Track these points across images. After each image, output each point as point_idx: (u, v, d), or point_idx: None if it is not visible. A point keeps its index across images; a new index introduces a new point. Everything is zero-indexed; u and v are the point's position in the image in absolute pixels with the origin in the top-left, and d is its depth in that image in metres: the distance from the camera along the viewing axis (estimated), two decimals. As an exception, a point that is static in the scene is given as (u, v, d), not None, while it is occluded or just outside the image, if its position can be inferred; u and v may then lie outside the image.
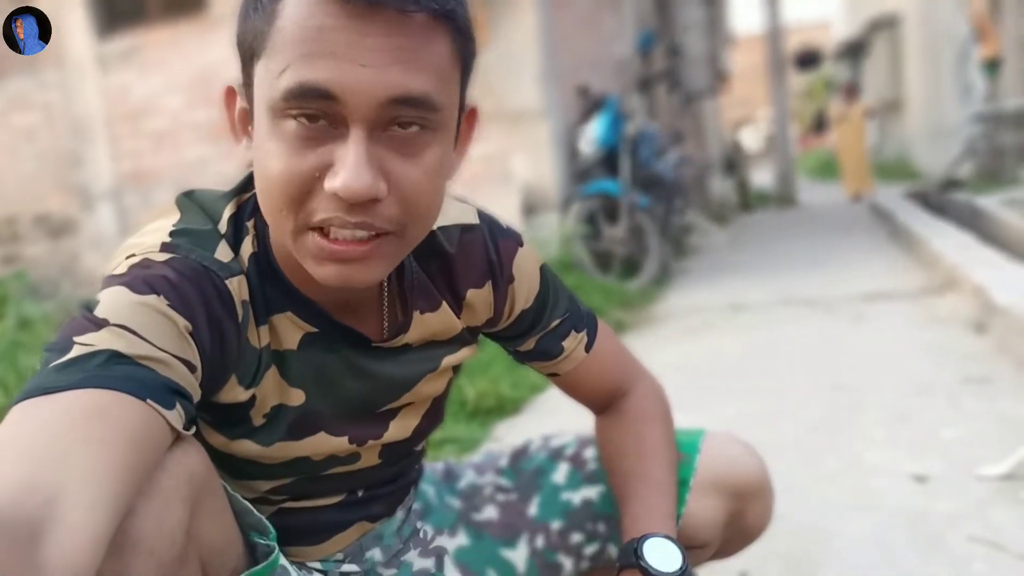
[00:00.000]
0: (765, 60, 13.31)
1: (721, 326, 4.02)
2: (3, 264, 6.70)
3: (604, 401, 1.06)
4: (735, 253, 6.89)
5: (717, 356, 3.43)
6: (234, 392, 0.82)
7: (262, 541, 0.79)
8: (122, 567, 0.64)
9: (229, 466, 0.86)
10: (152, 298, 0.72)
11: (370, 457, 0.96)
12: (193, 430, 0.72)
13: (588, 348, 1.01)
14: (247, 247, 0.82)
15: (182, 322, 0.73)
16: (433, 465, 1.15)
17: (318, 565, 0.99)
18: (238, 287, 0.80)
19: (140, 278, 0.74)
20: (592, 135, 5.54)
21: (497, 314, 0.97)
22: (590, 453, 1.09)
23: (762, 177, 15.25)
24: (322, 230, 0.73)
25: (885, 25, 17.12)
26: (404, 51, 0.70)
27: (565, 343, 1.00)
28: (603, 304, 4.30)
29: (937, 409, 2.38)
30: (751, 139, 23.22)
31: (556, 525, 1.06)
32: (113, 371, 0.65)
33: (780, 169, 12.78)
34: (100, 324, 0.69)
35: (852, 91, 12.53)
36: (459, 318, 0.95)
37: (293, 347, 0.85)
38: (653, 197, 5.56)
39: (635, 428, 1.02)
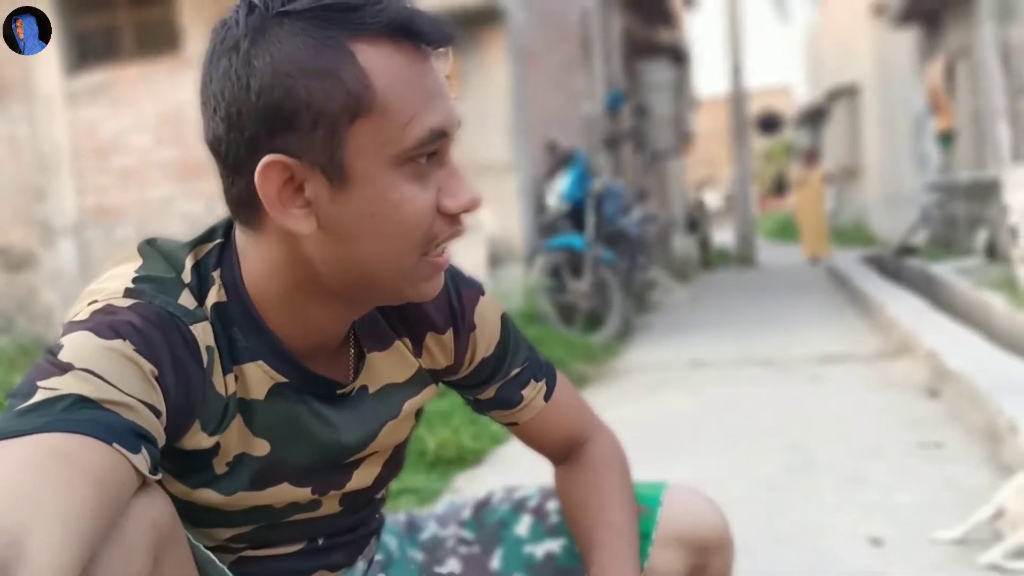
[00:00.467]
0: (728, 123, 13.61)
1: (680, 383, 4.06)
2: (-43, 296, 6.56)
3: (562, 451, 1.07)
4: (696, 310, 6.98)
5: (675, 413, 3.46)
6: (197, 438, 0.82)
7: None
8: None
9: (189, 513, 0.86)
10: (118, 343, 0.72)
11: (331, 505, 0.96)
12: (159, 475, 0.72)
13: (547, 397, 1.02)
14: (212, 296, 0.82)
15: (148, 367, 0.73)
16: (395, 516, 1.15)
17: (278, 616, 0.98)
18: (202, 333, 0.80)
19: (105, 323, 0.73)
20: (559, 190, 5.62)
21: (458, 362, 0.98)
22: (553, 505, 1.09)
23: (723, 236, 15.49)
24: (429, 251, 0.82)
25: (845, 94, 17.62)
26: (449, 82, 0.81)
27: (524, 392, 1.01)
28: (566, 357, 4.32)
29: (890, 473, 2.42)
30: (713, 199, 23.61)
31: (518, 579, 1.06)
32: (79, 415, 0.65)
33: (741, 229, 13.00)
34: (65, 368, 0.69)
35: (812, 156, 12.85)
36: (417, 359, 0.96)
37: (260, 397, 0.85)
38: (617, 253, 5.63)
39: (594, 478, 1.03)
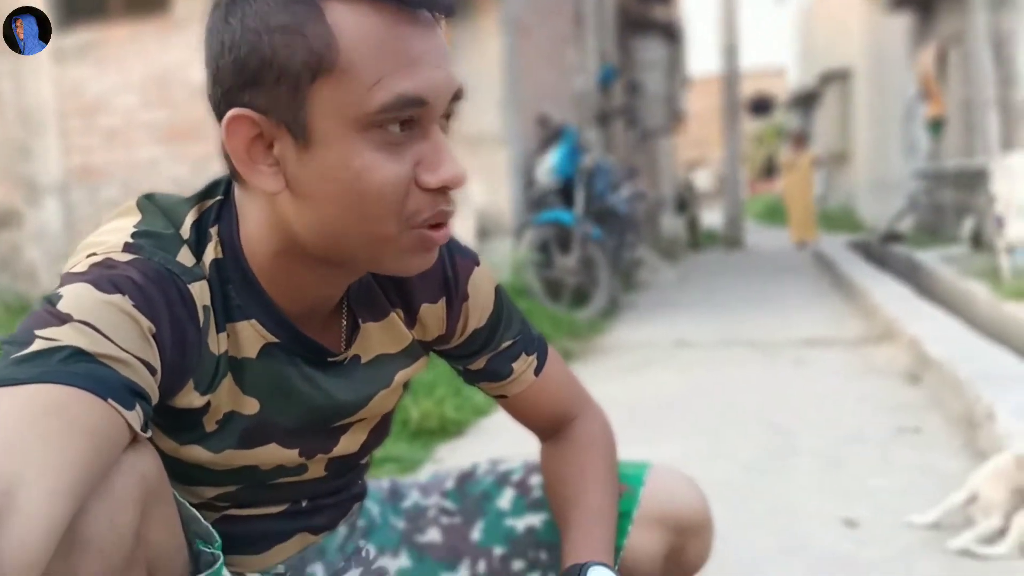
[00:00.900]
0: (720, 103, 13.59)
1: (665, 362, 4.08)
2: (-61, 252, 6.50)
3: (550, 427, 1.07)
4: (682, 290, 7.00)
5: (659, 392, 3.48)
6: (189, 397, 0.82)
7: (207, 549, 0.79)
8: (71, 566, 0.64)
9: (175, 470, 0.86)
10: (117, 297, 0.72)
11: (317, 469, 0.96)
12: (150, 432, 0.72)
13: (537, 372, 1.02)
14: (210, 253, 0.82)
15: (146, 323, 0.73)
16: (378, 483, 1.15)
17: (258, 576, 0.99)
18: (200, 292, 0.80)
19: (105, 277, 0.73)
20: (549, 165, 5.60)
21: (450, 331, 0.97)
22: (536, 480, 1.10)
23: (712, 217, 15.52)
24: (421, 223, 0.78)
25: (837, 78, 17.62)
26: (446, 50, 0.77)
27: (515, 365, 1.01)
28: (552, 333, 4.33)
29: (869, 457, 2.45)
30: (703, 179, 23.62)
31: (499, 551, 1.07)
32: (75, 368, 0.65)
33: (729, 211, 13.02)
34: (63, 319, 0.68)
35: (800, 140, 12.86)
36: (411, 330, 0.96)
37: (252, 355, 0.85)
38: (606, 230, 5.63)
39: (579, 457, 1.03)
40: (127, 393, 0.67)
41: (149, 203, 0.84)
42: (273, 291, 0.84)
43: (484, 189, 5.44)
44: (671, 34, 12.12)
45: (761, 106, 22.75)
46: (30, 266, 6.21)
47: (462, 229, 5.22)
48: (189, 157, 5.74)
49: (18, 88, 6.14)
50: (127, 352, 0.69)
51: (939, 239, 8.65)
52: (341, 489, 1.02)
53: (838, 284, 6.90)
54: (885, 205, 12.68)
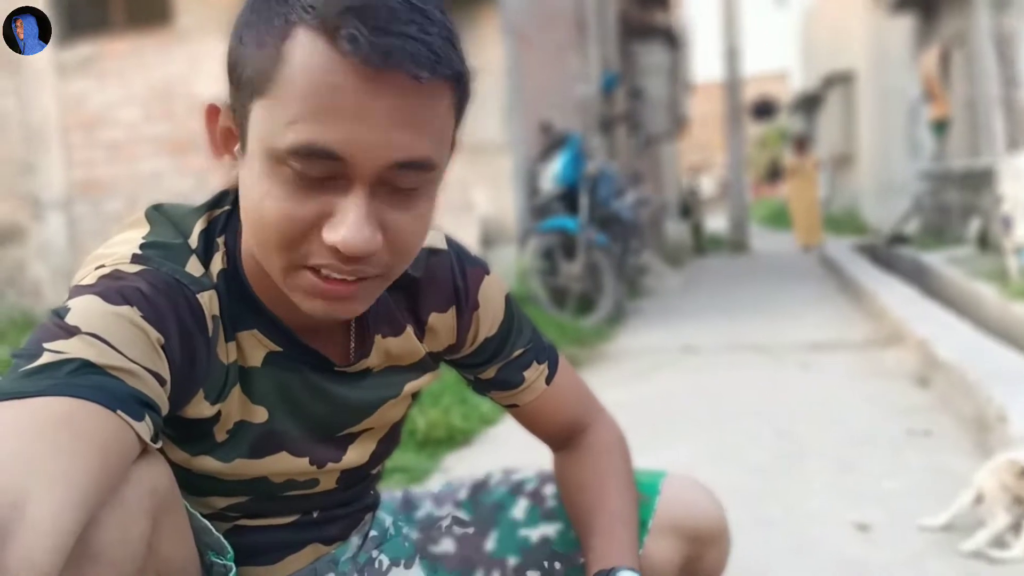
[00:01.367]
0: (723, 108, 13.58)
1: (671, 368, 4.07)
2: (-55, 269, 6.51)
3: (562, 436, 1.06)
4: (688, 296, 6.98)
5: (667, 398, 3.46)
6: (200, 407, 0.82)
7: (219, 561, 0.79)
8: None
9: (186, 481, 0.86)
10: (125, 309, 0.72)
11: (328, 482, 0.96)
12: (160, 444, 0.72)
13: (548, 380, 1.02)
14: (217, 263, 0.82)
15: (154, 334, 0.73)
16: (392, 493, 1.15)
17: (271, 589, 0.98)
18: (209, 301, 0.80)
19: (113, 289, 0.73)
20: (553, 172, 5.60)
21: (460, 341, 0.97)
22: (550, 490, 1.09)
23: (716, 222, 15.51)
24: (315, 269, 0.74)
25: (839, 81, 17.60)
26: (412, 115, 0.70)
27: (526, 374, 1.01)
28: (557, 340, 4.32)
29: (879, 460, 2.43)
30: (707, 184, 23.63)
31: (512, 561, 1.06)
32: (84, 380, 0.65)
33: (734, 215, 13.01)
34: (71, 332, 0.68)
35: (803, 144, 12.83)
36: (422, 342, 0.95)
37: (257, 364, 0.85)
38: (610, 236, 5.62)
39: (595, 463, 1.03)
40: (136, 404, 0.67)
41: (157, 214, 0.85)
42: (269, 301, 0.84)
43: (488, 197, 5.44)
44: (673, 39, 12.13)
45: (764, 110, 22.74)
46: (35, 282, 6.22)
47: (466, 237, 5.22)
48: (192, 170, 5.75)
49: (22, 105, 6.16)
50: (136, 363, 0.69)
51: (945, 240, 8.62)
52: (353, 500, 1.02)
53: (844, 287, 6.88)
54: (890, 207, 12.65)
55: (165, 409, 0.73)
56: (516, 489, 1.11)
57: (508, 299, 0.99)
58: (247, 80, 0.73)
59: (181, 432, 0.83)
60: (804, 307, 5.91)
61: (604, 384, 3.62)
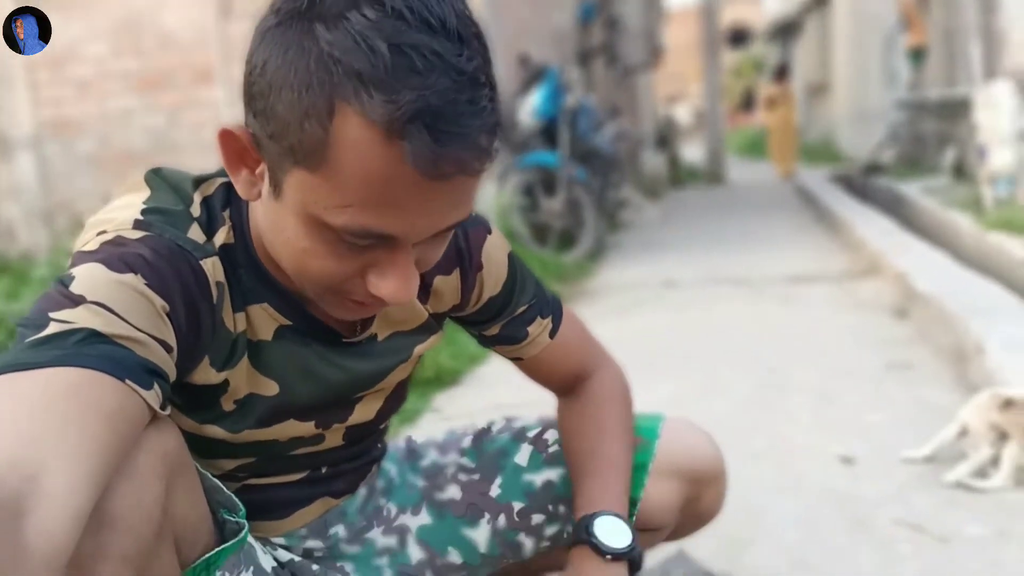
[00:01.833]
0: (698, 36, 13.43)
1: (654, 303, 4.10)
2: (-88, 211, 6.38)
3: (566, 385, 1.08)
4: (667, 229, 7.00)
5: (650, 333, 3.50)
6: (207, 374, 0.82)
7: (231, 518, 0.81)
8: (101, 543, 0.65)
9: (195, 444, 0.87)
10: (129, 276, 0.71)
11: (334, 439, 0.97)
12: (169, 410, 0.73)
13: (552, 334, 1.04)
14: (220, 237, 0.82)
15: (159, 302, 0.73)
16: (395, 443, 1.17)
17: (282, 540, 1.00)
18: (212, 268, 0.80)
19: (116, 256, 0.73)
20: (531, 106, 5.54)
21: (464, 301, 0.98)
22: (552, 435, 1.11)
23: (693, 152, 15.46)
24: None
25: (816, 7, 17.42)
26: (466, 195, 0.72)
27: (530, 329, 1.02)
28: (540, 277, 4.33)
29: (861, 393, 2.48)
30: (683, 114, 23.47)
31: (518, 506, 1.09)
32: (91, 350, 0.65)
33: (710, 146, 12.96)
34: (77, 301, 0.68)
35: (783, 73, 12.76)
36: (425, 305, 0.96)
37: (268, 338, 0.86)
38: (590, 171, 5.60)
39: (594, 410, 1.05)
40: (144, 373, 0.68)
41: (157, 178, 0.84)
42: (281, 276, 0.84)
43: (467, 132, 5.38)
44: (649, -34, 11.90)
45: (739, 37, 22.52)
46: (7, 223, 6.12)
47: (446, 174, 5.17)
48: (164, 107, 5.63)
49: (-16, 40, 5.97)
50: (142, 332, 0.69)
51: (921, 170, 8.67)
52: (360, 455, 1.04)
53: (821, 218, 6.93)
54: (866, 136, 12.66)
55: (172, 376, 0.73)
56: (518, 436, 1.13)
57: (511, 257, 1.00)
58: (287, 147, 0.69)
59: (189, 400, 0.84)
60: (782, 239, 5.95)
61: (588, 321, 3.64)
